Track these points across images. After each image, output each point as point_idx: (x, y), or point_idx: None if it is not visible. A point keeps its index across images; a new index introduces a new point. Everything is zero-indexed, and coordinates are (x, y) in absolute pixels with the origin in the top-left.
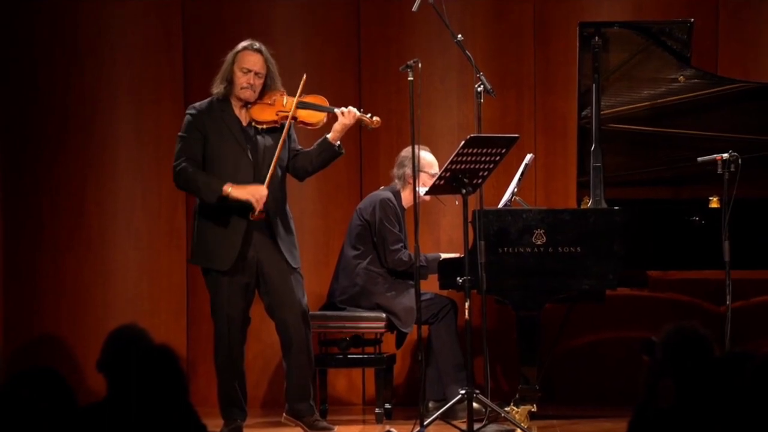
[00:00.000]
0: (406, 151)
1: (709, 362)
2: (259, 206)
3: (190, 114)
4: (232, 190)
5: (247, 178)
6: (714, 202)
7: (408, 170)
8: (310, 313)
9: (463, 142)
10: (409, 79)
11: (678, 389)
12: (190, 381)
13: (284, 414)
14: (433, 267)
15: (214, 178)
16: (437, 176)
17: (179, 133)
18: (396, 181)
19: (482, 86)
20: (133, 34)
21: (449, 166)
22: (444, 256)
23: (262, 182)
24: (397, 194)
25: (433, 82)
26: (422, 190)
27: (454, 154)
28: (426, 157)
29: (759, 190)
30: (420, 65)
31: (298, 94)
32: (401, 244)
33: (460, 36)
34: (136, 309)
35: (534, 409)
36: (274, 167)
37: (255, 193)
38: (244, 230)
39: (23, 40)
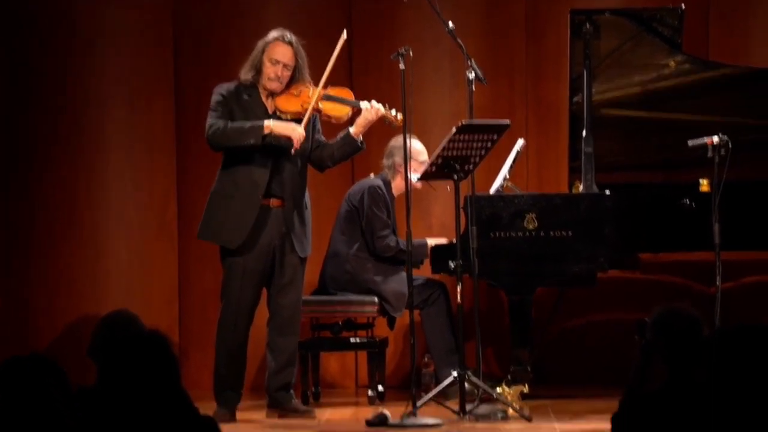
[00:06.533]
0: (395, 141)
1: (698, 342)
2: (297, 144)
3: (220, 94)
4: (274, 126)
5: (264, 169)
6: (704, 186)
7: (397, 159)
8: (303, 298)
9: (454, 129)
10: (400, 67)
11: (668, 369)
12: (182, 367)
13: (266, 411)
14: (420, 252)
15: (252, 122)
16: (429, 163)
17: (210, 108)
18: (386, 170)
19: (473, 73)
20: (124, 26)
21: (441, 153)
22: (430, 241)
23: (283, 170)
24: (387, 183)
25: (425, 71)
26: (414, 177)
27: (445, 141)
28: (415, 145)
29: (749, 172)
30: (411, 53)
31: (321, 85)
32: (389, 230)
33: (451, 24)
34: (128, 299)
35: (526, 389)
36: (310, 113)
37: (295, 130)
38: (256, 213)
39: (18, 32)
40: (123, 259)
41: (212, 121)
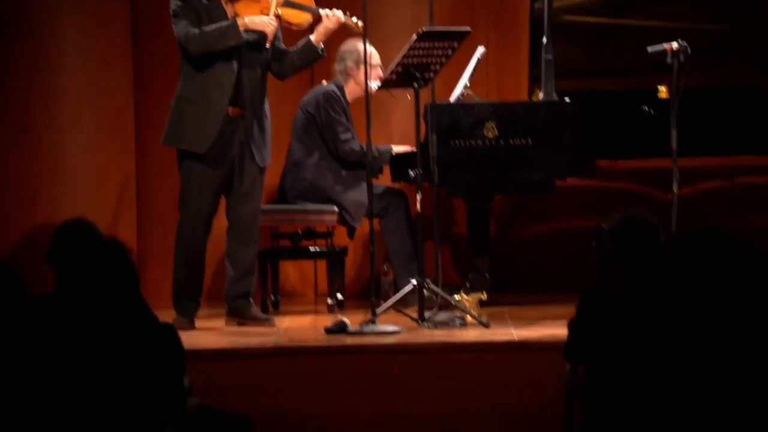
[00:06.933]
0: (346, 45)
1: (655, 248)
2: (271, 37)
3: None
4: (249, 22)
5: (230, 74)
6: (663, 92)
7: (349, 63)
8: (262, 207)
9: (415, 36)
10: None
11: (626, 275)
12: (141, 276)
13: (225, 319)
14: (384, 159)
15: (222, 23)
16: (389, 70)
17: (174, 15)
18: (338, 75)
19: None
20: None
21: (401, 61)
22: (395, 148)
23: (243, 78)
24: (340, 88)
25: None
26: (374, 84)
27: (406, 48)
28: (367, 49)
29: (707, 78)
30: None
31: None
32: (350, 134)
33: None
34: (85, 206)
35: (484, 297)
36: (276, 7)
37: (269, 24)
38: (222, 119)
39: None
40: (79, 167)
41: (185, 29)
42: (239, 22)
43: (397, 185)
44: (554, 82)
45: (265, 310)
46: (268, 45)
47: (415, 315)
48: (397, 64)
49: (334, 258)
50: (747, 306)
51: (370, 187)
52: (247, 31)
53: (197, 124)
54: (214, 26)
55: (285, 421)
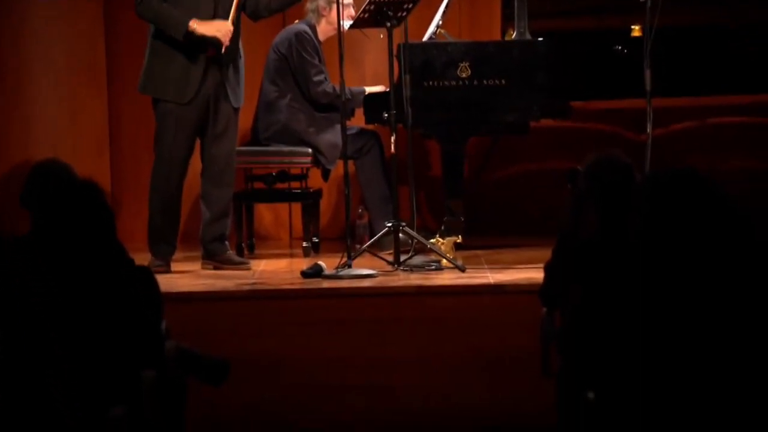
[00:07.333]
0: None
1: (630, 189)
2: (226, 42)
3: None
4: (198, 27)
5: (207, 14)
6: (636, 31)
7: (321, 2)
8: (236, 149)
9: None
10: None
11: (600, 216)
12: (116, 217)
13: (201, 262)
14: (358, 100)
15: (179, 14)
16: (361, 9)
17: None
18: (310, 14)
19: None
20: None
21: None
22: (368, 89)
23: (225, 18)
24: (312, 27)
25: None
26: (345, 23)
27: None
28: None
29: (681, 18)
30: None
31: None
32: (323, 75)
33: None
34: (57, 147)
35: (459, 240)
36: (238, 2)
37: (221, 29)
38: (203, 67)
39: None
40: (52, 108)
41: None
42: (189, 24)
43: (370, 126)
44: (527, 21)
45: (240, 253)
46: (223, 51)
47: (390, 258)
48: (369, 3)
49: (309, 200)
50: (721, 246)
51: (343, 128)
52: (196, 32)
53: (178, 76)
54: (169, 12)
55: (261, 364)
